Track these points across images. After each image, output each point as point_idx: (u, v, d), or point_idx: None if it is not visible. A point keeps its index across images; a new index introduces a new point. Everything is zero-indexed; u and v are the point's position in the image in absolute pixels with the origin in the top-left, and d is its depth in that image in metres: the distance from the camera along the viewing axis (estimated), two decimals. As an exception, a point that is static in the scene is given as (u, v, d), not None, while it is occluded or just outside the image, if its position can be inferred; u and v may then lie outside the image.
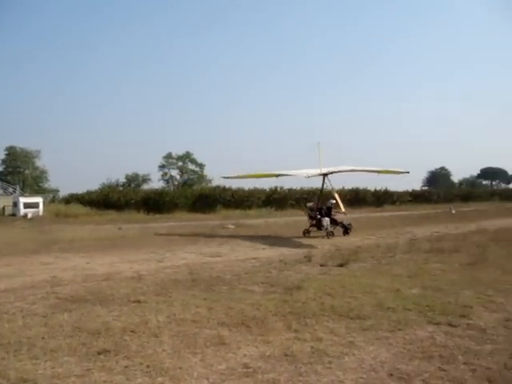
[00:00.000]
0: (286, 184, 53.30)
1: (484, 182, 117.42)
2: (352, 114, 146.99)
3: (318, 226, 20.92)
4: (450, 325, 6.29)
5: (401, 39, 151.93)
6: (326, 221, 20.62)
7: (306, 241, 18.37)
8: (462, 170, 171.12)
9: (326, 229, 20.30)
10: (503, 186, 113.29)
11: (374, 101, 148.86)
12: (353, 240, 18.40)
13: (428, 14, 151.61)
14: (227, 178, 29.78)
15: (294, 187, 53.91)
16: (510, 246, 14.95)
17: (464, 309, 7.09)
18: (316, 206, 22.12)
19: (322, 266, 11.49)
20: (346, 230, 20.89)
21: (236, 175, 28.04)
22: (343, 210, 21.44)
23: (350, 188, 59.70)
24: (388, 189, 63.72)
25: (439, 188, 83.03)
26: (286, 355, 5.17)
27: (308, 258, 12.33)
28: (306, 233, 21.10)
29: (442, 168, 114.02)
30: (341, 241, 18.28)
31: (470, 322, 6.46)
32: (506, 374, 4.65)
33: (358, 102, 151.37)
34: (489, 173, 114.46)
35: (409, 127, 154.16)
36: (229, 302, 7.65)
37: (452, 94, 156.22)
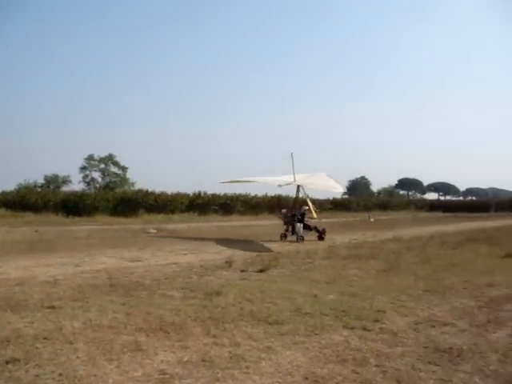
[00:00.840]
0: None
1: (401, 192, 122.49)
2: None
3: (293, 230, 21.76)
4: (364, 329, 6.50)
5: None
6: (299, 226, 21.48)
7: (228, 246, 18.35)
8: (381, 180, 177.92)
9: (297, 233, 21.21)
10: (418, 196, 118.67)
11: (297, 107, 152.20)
12: (273, 246, 18.61)
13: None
14: (223, 182, 30.34)
15: (218, 193, 53.95)
16: (423, 253, 15.67)
17: (378, 313, 7.34)
18: (290, 212, 23.07)
19: (242, 271, 11.54)
20: (321, 234, 21.99)
21: (230, 180, 28.54)
22: (315, 215, 22.86)
23: (273, 195, 60.48)
24: (310, 196, 65.09)
25: (359, 197, 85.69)
26: (203, 360, 5.15)
27: (229, 264, 12.34)
28: (283, 237, 21.87)
29: (363, 177, 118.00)
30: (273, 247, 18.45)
31: (383, 326, 6.70)
32: (414, 374, 4.87)
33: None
34: (405, 183, 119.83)
35: (337, 136, 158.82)
36: (147, 308, 7.53)
37: (374, 107, 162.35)
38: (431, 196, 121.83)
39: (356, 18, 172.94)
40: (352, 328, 6.54)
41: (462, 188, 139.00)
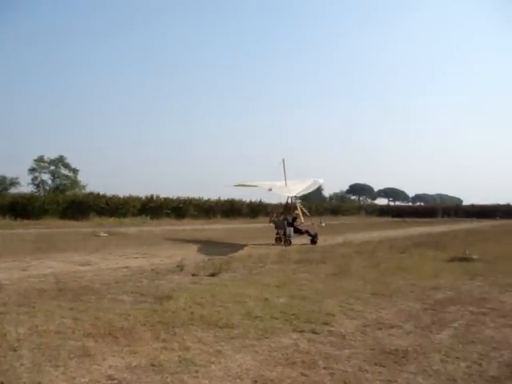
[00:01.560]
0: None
1: (352, 197, 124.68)
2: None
3: (284, 234, 22.64)
4: (314, 332, 6.59)
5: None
6: (289, 230, 22.50)
7: (180, 250, 18.21)
8: (332, 186, 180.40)
9: (289, 236, 22.26)
10: (369, 201, 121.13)
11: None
12: (225, 250, 18.62)
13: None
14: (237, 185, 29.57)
15: (171, 196, 53.57)
16: (372, 257, 16.00)
17: (327, 316, 7.45)
18: (278, 216, 24.44)
19: (193, 275, 11.50)
20: (313, 238, 22.91)
21: (238, 184, 27.89)
22: (302, 220, 24.08)
23: (226, 199, 60.46)
24: (262, 201, 65.43)
25: (311, 201, 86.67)
26: (152, 365, 5.11)
27: (180, 268, 12.28)
28: (279, 240, 23.02)
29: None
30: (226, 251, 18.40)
31: (332, 328, 6.81)
32: (360, 375, 4.98)
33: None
34: (357, 189, 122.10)
35: (290, 142, 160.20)
36: (96, 312, 7.40)
37: (326, 113, 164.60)
38: (381, 201, 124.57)
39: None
40: (301, 331, 6.62)
41: (411, 194, 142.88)
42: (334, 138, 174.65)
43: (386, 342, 6.21)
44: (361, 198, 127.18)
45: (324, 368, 5.18)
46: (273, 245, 22.49)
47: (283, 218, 23.68)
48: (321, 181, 28.31)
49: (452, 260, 15.25)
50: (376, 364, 5.33)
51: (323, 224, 44.45)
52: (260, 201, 64.96)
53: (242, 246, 20.50)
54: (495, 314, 7.93)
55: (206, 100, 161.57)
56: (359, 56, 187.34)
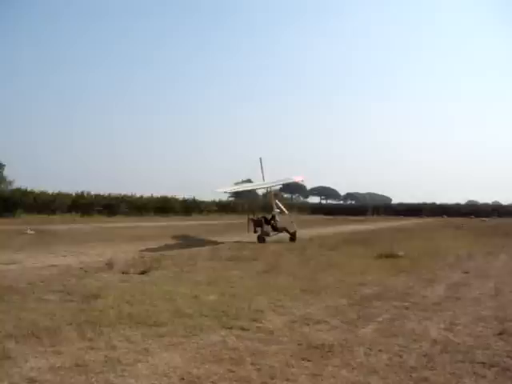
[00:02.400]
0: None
1: (285, 195, 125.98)
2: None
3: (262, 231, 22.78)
4: (242, 329, 6.64)
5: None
6: (267, 228, 22.89)
7: (110, 248, 17.83)
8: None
9: (267, 234, 22.57)
10: (301, 199, 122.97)
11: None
12: (156, 247, 18.40)
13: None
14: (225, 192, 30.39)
15: (102, 193, 52.40)
16: (302, 254, 16.33)
17: (256, 313, 7.53)
18: (261, 215, 24.47)
19: (123, 273, 11.31)
20: (292, 236, 22.96)
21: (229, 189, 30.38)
22: (286, 212, 25.31)
23: (159, 196, 59.83)
24: (196, 198, 65.21)
25: (245, 199, 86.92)
26: (77, 365, 5.00)
27: (109, 266, 12.05)
28: (262, 239, 22.44)
29: (248, 180, 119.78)
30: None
31: (261, 325, 6.88)
32: (287, 370, 5.06)
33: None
34: (289, 187, 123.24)
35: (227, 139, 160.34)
36: (19, 313, 7.16)
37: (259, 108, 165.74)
38: (313, 200, 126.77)
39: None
40: (230, 328, 6.65)
41: (343, 192, 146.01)
42: (269, 136, 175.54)
43: (313, 337, 6.34)
44: (293, 197, 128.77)
45: (251, 364, 5.23)
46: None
47: (261, 216, 23.85)
48: (297, 178, 28.31)
49: (379, 257, 15.74)
50: (302, 359, 5.44)
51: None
52: (194, 198, 64.73)
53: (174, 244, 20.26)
54: (417, 308, 8.26)
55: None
56: (289, 52, 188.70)
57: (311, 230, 31.55)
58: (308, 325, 6.99)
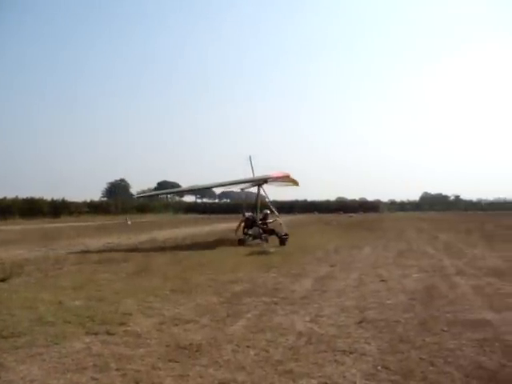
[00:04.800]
0: None
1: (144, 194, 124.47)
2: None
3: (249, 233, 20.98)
4: (109, 333, 6.42)
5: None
6: (254, 230, 20.87)
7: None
8: (141, 183, 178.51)
9: (257, 238, 20.53)
10: (177, 198, 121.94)
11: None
12: (20, 252, 17.28)
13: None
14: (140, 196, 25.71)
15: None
16: (175, 254, 16.17)
17: (124, 316, 7.31)
18: (251, 215, 21.74)
19: (-22, 282, 10.47)
20: (282, 239, 19.92)
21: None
22: (275, 212, 22.13)
23: (25, 197, 56.50)
24: (65, 199, 62.36)
25: (118, 199, 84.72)
26: None
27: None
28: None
29: (122, 180, 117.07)
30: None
31: (128, 328, 6.69)
32: (153, 373, 4.96)
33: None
34: (165, 186, 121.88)
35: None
36: None
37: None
38: (189, 199, 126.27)
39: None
40: (95, 333, 6.40)
41: (218, 191, 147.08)
42: (147, 136, 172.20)
43: (182, 337, 6.28)
44: (169, 196, 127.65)
45: (116, 370, 5.06)
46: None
47: (250, 215, 21.76)
48: (275, 174, 22.62)
49: (251, 254, 16.03)
50: (170, 360, 5.36)
51: (129, 222, 44.04)
52: (63, 199, 61.81)
53: (39, 248, 19.12)
54: (285, 303, 8.48)
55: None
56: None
57: (186, 230, 31.50)
58: (177, 325, 6.91)
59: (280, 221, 21.82)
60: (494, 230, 29.11)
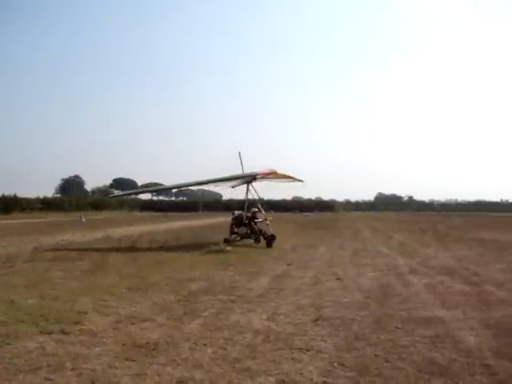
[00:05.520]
0: None
1: (116, 192, 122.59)
2: None
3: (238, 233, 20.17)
4: (63, 332, 6.30)
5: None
6: (241, 229, 20.01)
7: None
8: (95, 179, 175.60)
9: (242, 236, 19.88)
10: (133, 195, 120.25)
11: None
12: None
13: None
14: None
15: None
16: (130, 251, 16.01)
17: (79, 315, 7.20)
18: (240, 212, 20.78)
19: None
20: (269, 240, 18.97)
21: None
22: (262, 211, 21.04)
23: None
24: (17, 195, 60.67)
25: (72, 196, 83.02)
26: None
27: None
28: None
29: (76, 176, 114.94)
30: None
31: (83, 327, 6.59)
32: (109, 372, 4.91)
33: None
34: (120, 183, 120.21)
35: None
36: None
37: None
38: (145, 196, 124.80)
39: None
40: (50, 333, 6.27)
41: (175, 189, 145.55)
42: (100, 132, 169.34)
43: (138, 335, 6.23)
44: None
45: (71, 369, 4.98)
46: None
47: (239, 214, 20.72)
48: (263, 171, 20.75)
49: (208, 252, 15.99)
50: (127, 359, 5.31)
51: (83, 219, 43.25)
52: (15, 195, 60.11)
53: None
54: (242, 301, 8.52)
55: None
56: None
57: (142, 227, 31.16)
58: (134, 324, 6.85)
59: (267, 221, 20.68)
60: (446, 231, 30.00)
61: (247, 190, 21.29)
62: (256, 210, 20.66)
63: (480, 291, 9.46)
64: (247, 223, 19.97)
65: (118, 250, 16.72)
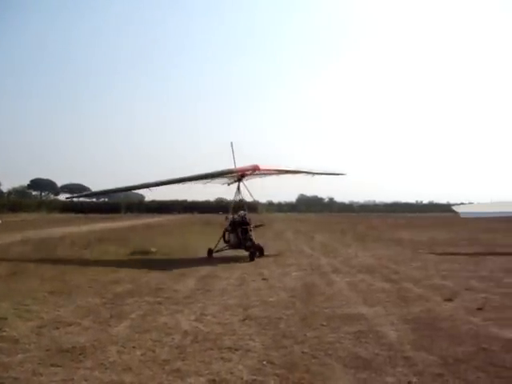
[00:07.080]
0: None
1: (34, 193, 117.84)
2: None
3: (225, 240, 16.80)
4: (-19, 340, 6.04)
5: None
6: (232, 236, 16.53)
7: None
8: (11, 180, 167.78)
9: (232, 246, 16.44)
10: (52, 197, 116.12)
11: None
12: None
13: None
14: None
15: None
16: (52, 254, 15.44)
17: (-2, 321, 6.93)
18: (231, 217, 17.18)
19: None
20: (261, 250, 16.38)
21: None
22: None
23: None
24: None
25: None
26: None
27: None
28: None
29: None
30: None
31: (4, 334, 6.36)
32: (34, 379, 4.75)
33: None
34: (39, 184, 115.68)
35: None
36: None
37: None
38: (64, 197, 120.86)
39: None
40: (-33, 342, 5.99)
41: (95, 189, 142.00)
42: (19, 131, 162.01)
43: (63, 340, 6.07)
44: (43, 194, 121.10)
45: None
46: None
47: (231, 220, 17.07)
48: (244, 168, 17.48)
49: (133, 253, 15.77)
50: (52, 365, 5.17)
51: (0, 221, 41.36)
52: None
53: None
54: (169, 302, 8.50)
55: None
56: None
57: (63, 229, 30.19)
58: (58, 328, 6.68)
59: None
60: (365, 231, 31.11)
61: (238, 188, 18.33)
62: (245, 212, 17.53)
63: (399, 288, 9.91)
64: (241, 231, 16.41)
65: (38, 252, 16.11)
